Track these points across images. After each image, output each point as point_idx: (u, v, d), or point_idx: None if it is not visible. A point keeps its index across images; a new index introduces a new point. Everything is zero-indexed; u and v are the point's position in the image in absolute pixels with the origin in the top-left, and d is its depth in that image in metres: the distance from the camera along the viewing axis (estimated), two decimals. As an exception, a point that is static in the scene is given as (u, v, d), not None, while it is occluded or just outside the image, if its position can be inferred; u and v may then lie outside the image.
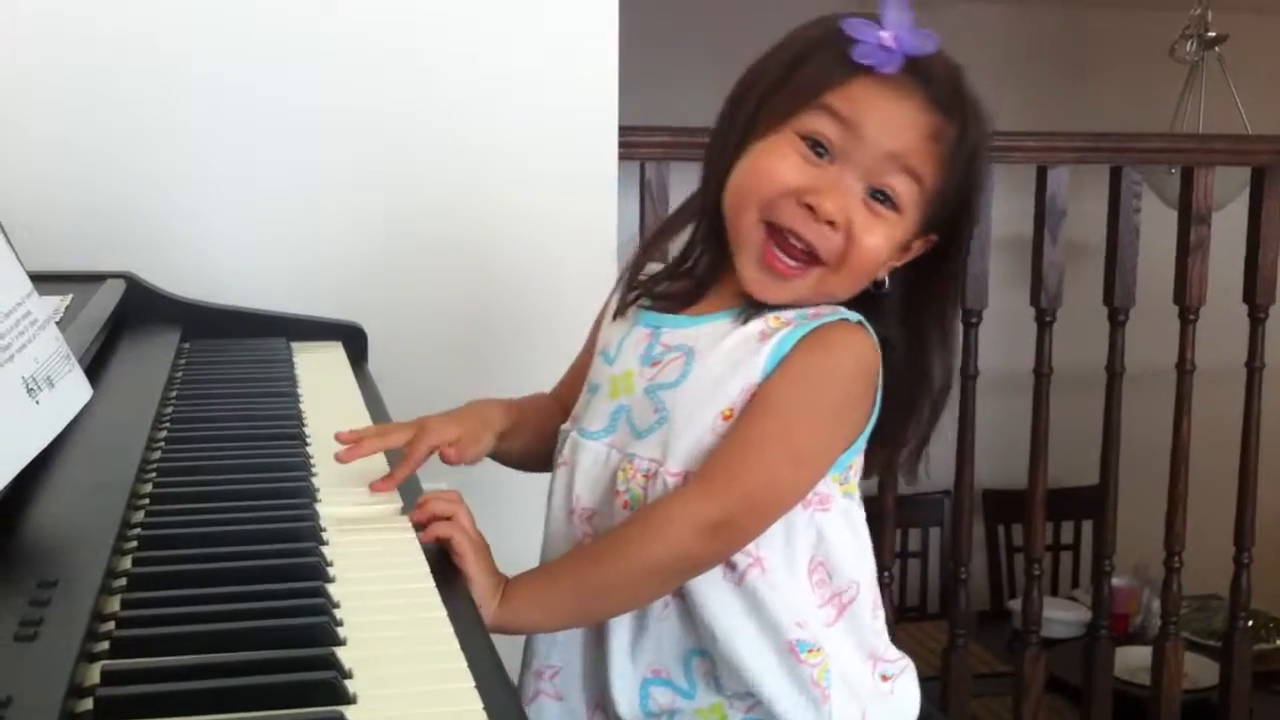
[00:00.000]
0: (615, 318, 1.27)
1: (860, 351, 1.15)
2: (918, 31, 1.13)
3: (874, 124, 1.12)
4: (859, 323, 1.15)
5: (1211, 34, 3.97)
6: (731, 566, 1.14)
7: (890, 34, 1.11)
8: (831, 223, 1.13)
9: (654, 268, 1.28)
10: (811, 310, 1.16)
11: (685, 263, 1.25)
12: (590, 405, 1.24)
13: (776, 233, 1.15)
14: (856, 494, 1.20)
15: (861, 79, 1.12)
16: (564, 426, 1.27)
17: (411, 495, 1.13)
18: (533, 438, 1.33)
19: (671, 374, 1.18)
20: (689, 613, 1.16)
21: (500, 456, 1.33)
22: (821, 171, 1.13)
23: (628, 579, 1.11)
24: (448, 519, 1.07)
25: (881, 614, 1.24)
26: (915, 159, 1.13)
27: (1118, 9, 4.67)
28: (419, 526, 1.07)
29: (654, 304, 1.24)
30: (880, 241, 1.14)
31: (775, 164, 1.14)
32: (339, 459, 1.15)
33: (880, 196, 1.14)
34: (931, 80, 1.14)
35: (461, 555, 1.06)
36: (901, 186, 1.14)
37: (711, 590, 1.15)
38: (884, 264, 1.17)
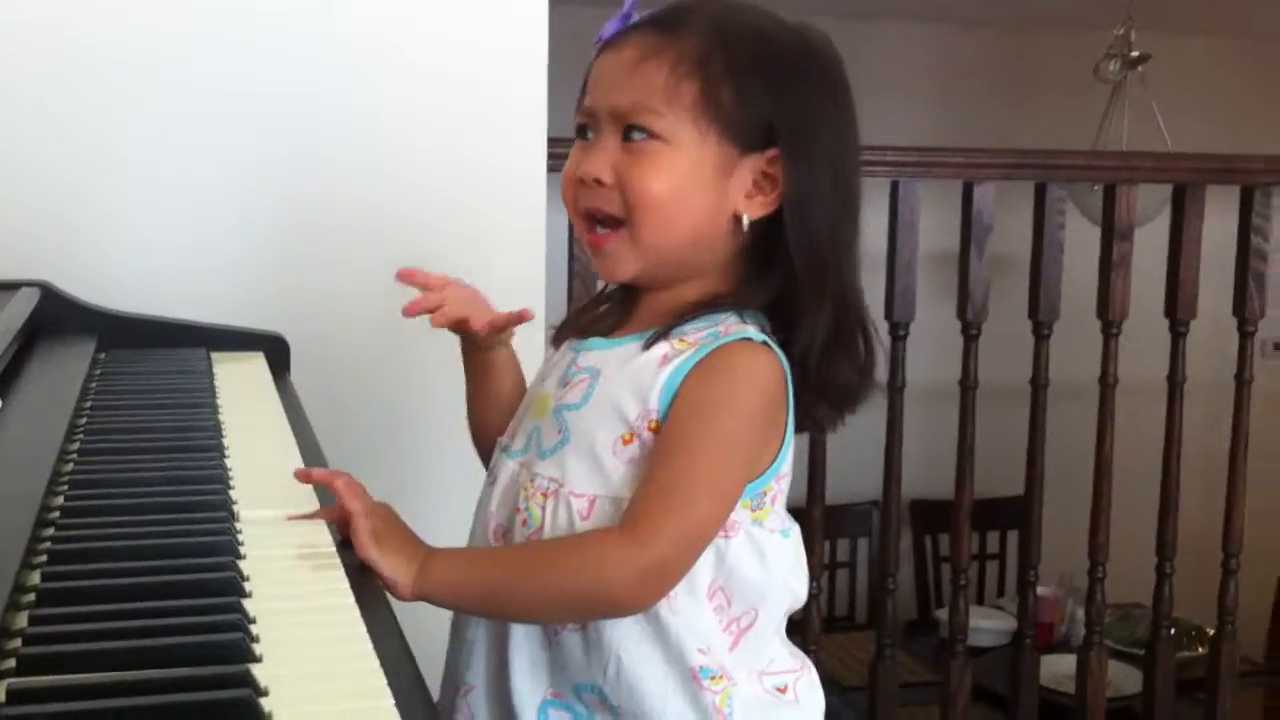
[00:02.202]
0: (556, 346, 1.27)
1: (759, 374, 1.12)
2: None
3: (598, 79, 1.17)
4: (763, 343, 1.13)
5: (1135, 54, 4.03)
6: None
7: (619, 14, 1.17)
8: (599, 180, 1.15)
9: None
10: (720, 328, 1.15)
11: (603, 289, 1.26)
12: (519, 426, 1.24)
13: (584, 219, 1.18)
14: (773, 521, 1.18)
15: (596, 60, 1.18)
16: (500, 440, 1.27)
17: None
18: (500, 406, 1.34)
19: (576, 395, 1.18)
20: (587, 639, 1.15)
21: (475, 392, 1.36)
22: (585, 148, 1.18)
23: (545, 596, 1.11)
24: (342, 514, 1.08)
25: (782, 634, 1.23)
26: (644, 83, 1.13)
27: (1045, 30, 4.73)
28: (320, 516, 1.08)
29: (582, 330, 1.24)
30: (653, 174, 1.13)
31: (565, 167, 1.20)
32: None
33: (638, 135, 1.14)
34: (648, 19, 1.17)
35: (357, 545, 1.06)
36: (647, 116, 1.13)
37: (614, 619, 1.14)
38: (685, 194, 1.14)
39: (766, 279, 1.17)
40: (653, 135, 1.13)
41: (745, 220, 1.15)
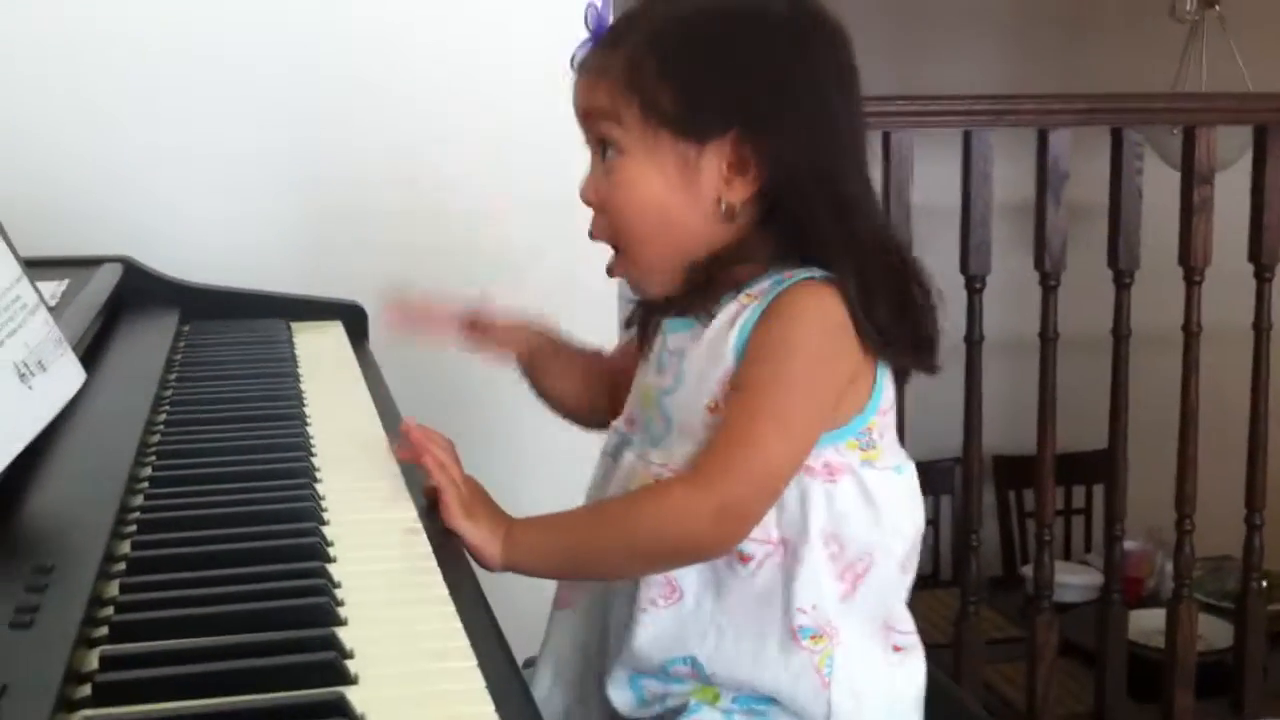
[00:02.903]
0: (634, 324, 1.27)
1: (820, 307, 1.11)
2: (596, 15, 1.18)
3: (574, 103, 1.18)
4: (824, 279, 1.12)
5: (1212, -8, 3.94)
6: (746, 558, 1.13)
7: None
8: (589, 202, 1.18)
9: None
10: (779, 277, 1.14)
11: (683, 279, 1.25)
12: (632, 411, 1.24)
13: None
14: (887, 459, 1.17)
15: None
16: (618, 426, 1.26)
17: (416, 484, 1.12)
18: (573, 384, 1.36)
19: (669, 379, 1.18)
20: (681, 613, 1.15)
21: (536, 385, 1.38)
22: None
23: (624, 548, 1.12)
24: (436, 468, 1.09)
25: (908, 579, 1.21)
26: (596, 100, 1.15)
27: (1117, -31, 4.63)
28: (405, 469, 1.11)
29: (668, 312, 1.23)
30: (624, 192, 1.14)
31: None
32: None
33: (610, 153, 1.15)
34: (599, 39, 1.17)
35: (447, 515, 1.07)
36: (606, 129, 1.14)
37: (712, 587, 1.14)
38: (657, 204, 1.14)
39: (798, 242, 1.15)
40: (619, 148, 1.14)
41: (723, 205, 1.13)
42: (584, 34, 1.18)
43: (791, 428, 1.10)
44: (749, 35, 1.14)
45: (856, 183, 1.16)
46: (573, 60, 1.18)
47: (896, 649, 1.20)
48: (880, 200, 2.52)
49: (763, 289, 1.14)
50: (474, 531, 1.08)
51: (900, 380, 1.20)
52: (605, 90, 1.14)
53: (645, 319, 1.25)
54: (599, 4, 1.18)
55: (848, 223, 1.13)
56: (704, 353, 1.15)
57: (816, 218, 1.12)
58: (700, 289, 1.18)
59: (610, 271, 1.21)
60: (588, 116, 1.17)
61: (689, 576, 1.14)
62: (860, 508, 1.14)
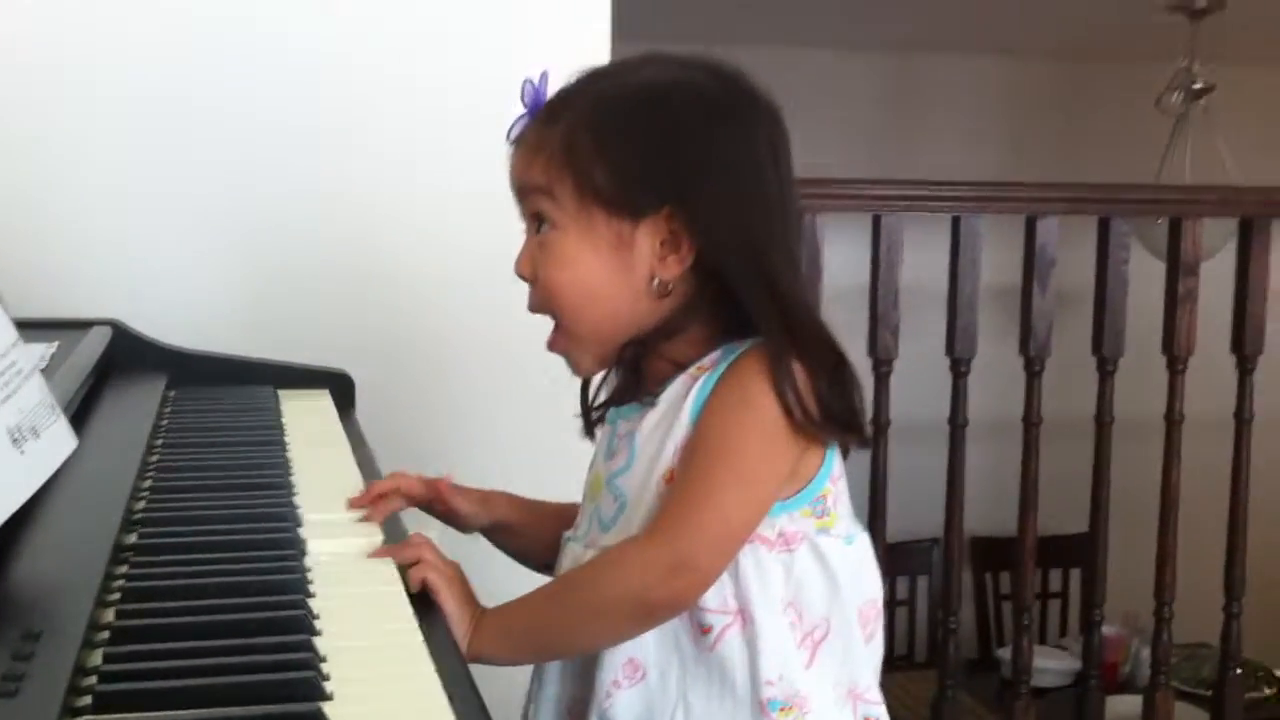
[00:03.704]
0: (590, 433, 1.28)
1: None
2: (533, 90, 1.19)
3: (510, 177, 1.20)
4: None
5: (1198, 85, 4.01)
6: (705, 629, 1.13)
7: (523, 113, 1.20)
8: (523, 276, 1.19)
9: None
10: (727, 347, 1.15)
11: (591, 385, 1.27)
12: (580, 516, 1.25)
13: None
14: (839, 528, 1.17)
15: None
16: (564, 535, 1.27)
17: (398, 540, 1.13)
18: (540, 541, 1.33)
19: (620, 461, 1.19)
20: (648, 690, 1.14)
21: (501, 546, 1.36)
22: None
23: (582, 616, 1.12)
24: (415, 563, 1.09)
25: (874, 648, 1.21)
26: (530, 176, 1.16)
27: (1106, 61, 4.71)
28: (404, 571, 1.08)
29: (611, 403, 1.24)
30: (556, 266, 1.16)
31: None
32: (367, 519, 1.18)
33: (544, 227, 1.16)
34: (536, 114, 1.18)
35: (435, 591, 1.08)
36: (541, 204, 1.16)
37: (675, 663, 1.14)
38: (588, 280, 1.15)
39: (734, 315, 1.15)
40: (552, 223, 1.16)
41: (656, 282, 1.14)
42: (520, 109, 1.19)
43: (748, 487, 1.11)
44: (681, 113, 1.14)
45: (784, 259, 1.16)
46: (509, 135, 1.20)
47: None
48: (869, 280, 2.56)
49: (713, 359, 1.15)
50: (454, 613, 1.09)
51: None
52: (540, 166, 1.15)
53: (590, 423, 1.26)
54: (535, 80, 1.19)
55: (778, 297, 1.13)
56: (657, 428, 1.15)
57: (751, 292, 1.13)
58: (634, 369, 1.19)
59: (549, 346, 1.21)
60: (522, 191, 1.18)
61: (650, 653, 1.14)
62: (817, 576, 1.15)
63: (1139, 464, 2.91)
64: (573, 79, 1.19)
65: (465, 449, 2.02)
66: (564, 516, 1.29)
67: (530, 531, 1.34)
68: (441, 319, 2.03)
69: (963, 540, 2.73)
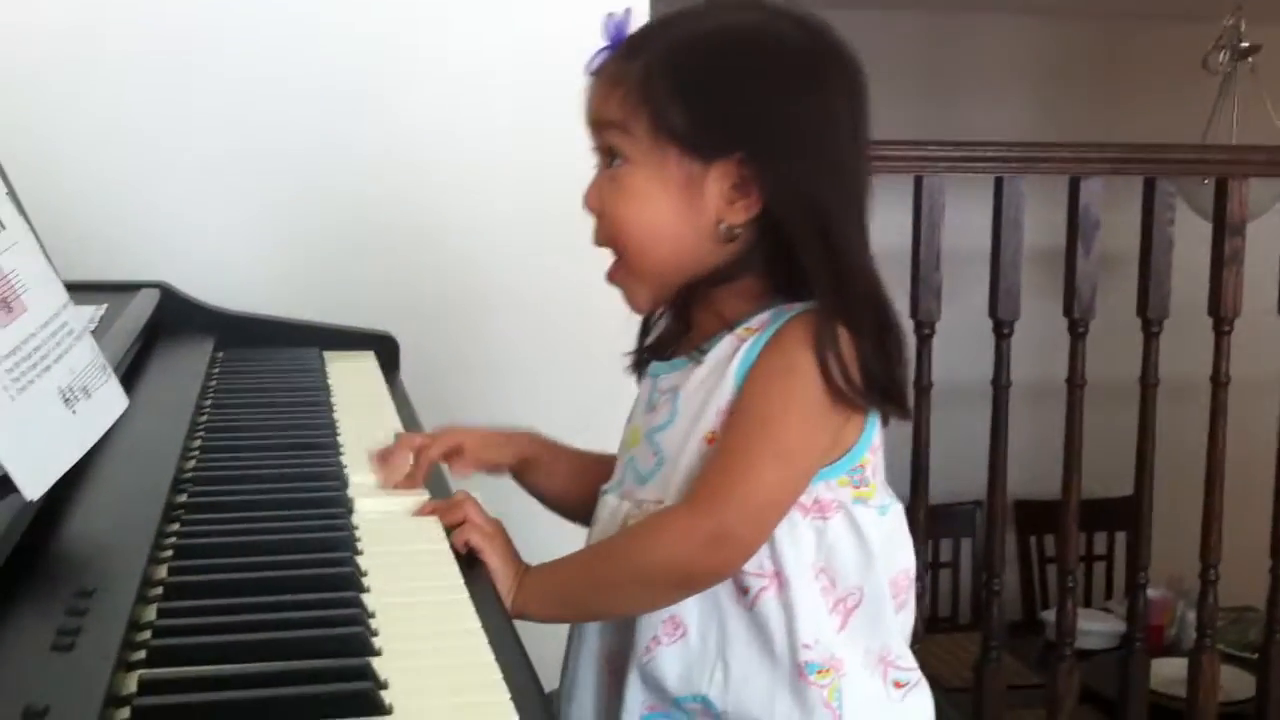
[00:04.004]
0: (638, 375, 1.28)
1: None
2: (615, 24, 1.18)
3: (586, 109, 1.19)
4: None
5: (1244, 44, 3.95)
6: (744, 590, 1.13)
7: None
8: (591, 208, 1.18)
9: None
10: (777, 310, 1.15)
11: (650, 323, 1.27)
12: (616, 465, 1.25)
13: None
14: (877, 498, 1.17)
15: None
16: (600, 489, 1.27)
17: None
18: (570, 481, 1.33)
19: (662, 416, 1.19)
20: (688, 649, 1.15)
21: (530, 488, 1.36)
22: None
23: (623, 581, 1.13)
24: (460, 523, 1.11)
25: (905, 616, 1.22)
26: (607, 110, 1.15)
27: (1151, 20, 4.65)
28: (449, 532, 1.10)
29: (655, 354, 1.25)
30: (624, 200, 1.15)
31: None
32: (383, 486, 1.19)
33: (616, 161, 1.16)
34: (618, 48, 1.17)
35: (479, 550, 1.10)
36: (615, 138, 1.15)
37: (715, 621, 1.14)
38: (656, 216, 1.14)
39: (791, 271, 1.15)
40: (624, 160, 1.15)
41: (723, 226, 1.14)
42: (601, 43, 1.19)
43: (790, 458, 1.11)
44: (764, 61, 1.14)
45: (851, 221, 1.15)
46: (588, 67, 1.19)
47: (898, 685, 1.20)
48: (911, 242, 2.55)
49: (763, 321, 1.15)
50: (499, 571, 1.10)
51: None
52: (618, 100, 1.15)
53: (637, 364, 1.27)
54: (619, 15, 1.19)
55: (836, 259, 1.13)
56: (701, 386, 1.16)
57: (809, 250, 1.12)
58: (682, 319, 1.21)
59: (609, 276, 1.21)
60: (598, 125, 1.17)
61: (692, 612, 1.15)
62: (851, 545, 1.15)
63: (1184, 426, 2.89)
64: (657, 17, 1.19)
65: (507, 409, 2.03)
66: (602, 463, 1.29)
67: (561, 470, 1.34)
68: (485, 281, 2.05)
69: (1005, 503, 2.72)
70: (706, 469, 1.12)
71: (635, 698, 1.18)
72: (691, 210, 1.14)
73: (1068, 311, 2.64)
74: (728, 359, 1.15)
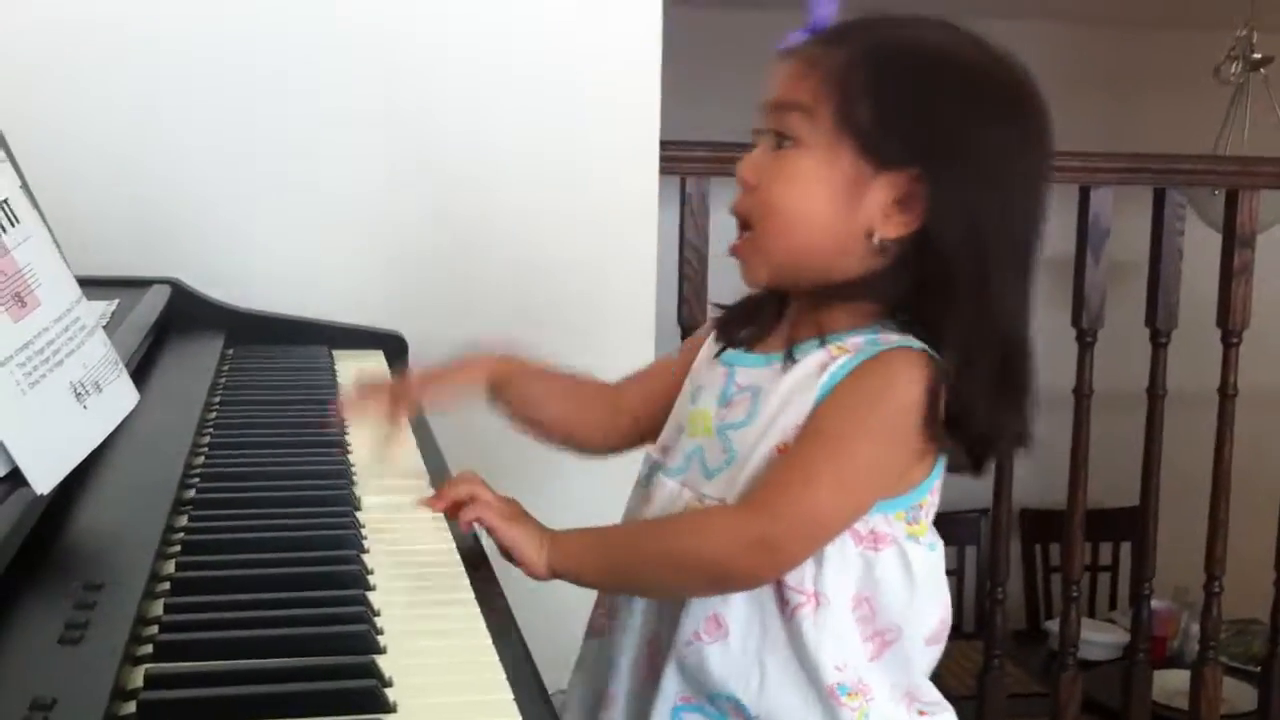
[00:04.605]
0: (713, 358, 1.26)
1: (916, 380, 1.09)
2: (821, 9, 1.16)
3: (768, 84, 1.16)
4: (922, 350, 1.11)
5: (1257, 55, 3.95)
6: (785, 602, 1.13)
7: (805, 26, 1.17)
8: (745, 181, 1.16)
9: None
10: (879, 337, 1.13)
11: (757, 300, 1.24)
12: (676, 443, 1.24)
13: (738, 223, 1.19)
14: (928, 535, 1.16)
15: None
16: (651, 453, 1.27)
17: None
18: (562, 405, 1.33)
19: (739, 414, 1.18)
20: (729, 649, 1.15)
21: (506, 410, 1.32)
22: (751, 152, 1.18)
23: (661, 563, 1.13)
24: (469, 501, 1.11)
25: (935, 652, 1.21)
26: (797, 91, 1.13)
27: (1162, 29, 4.65)
28: (450, 519, 1.11)
29: (733, 343, 1.23)
30: (784, 180, 1.13)
31: None
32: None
33: (785, 143, 1.14)
34: (820, 32, 1.16)
35: (494, 528, 1.10)
36: (793, 121, 1.13)
37: (756, 627, 1.14)
38: (809, 202, 1.12)
39: (920, 301, 1.13)
40: (795, 143, 1.13)
41: (876, 237, 1.11)
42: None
43: (850, 485, 1.10)
44: (964, 86, 1.13)
45: (1010, 264, 1.13)
46: (782, 44, 1.17)
47: (923, 714, 1.20)
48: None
49: (856, 343, 1.13)
50: (522, 537, 1.11)
51: (954, 471, 1.18)
52: (810, 84, 1.12)
53: (726, 336, 1.24)
54: (824, 1, 1.17)
55: (982, 301, 1.10)
56: (785, 394, 1.14)
57: (955, 282, 1.10)
58: (779, 316, 1.19)
59: (733, 249, 1.18)
60: (779, 105, 1.14)
61: (736, 614, 1.14)
62: (899, 580, 1.15)
63: (1192, 437, 2.89)
64: (864, 14, 1.17)
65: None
66: (583, 387, 1.31)
67: (538, 390, 1.32)
68: (496, 282, 2.05)
69: (1011, 511, 2.72)
70: (768, 476, 1.12)
71: (671, 687, 1.18)
72: (847, 210, 1.12)
73: (1076, 321, 2.64)
74: (816, 373, 1.13)
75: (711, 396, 1.21)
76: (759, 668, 1.14)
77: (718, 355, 1.23)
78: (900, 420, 1.10)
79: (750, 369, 1.19)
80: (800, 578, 1.12)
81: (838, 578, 1.13)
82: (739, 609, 1.14)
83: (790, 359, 1.15)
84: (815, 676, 1.14)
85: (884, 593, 1.14)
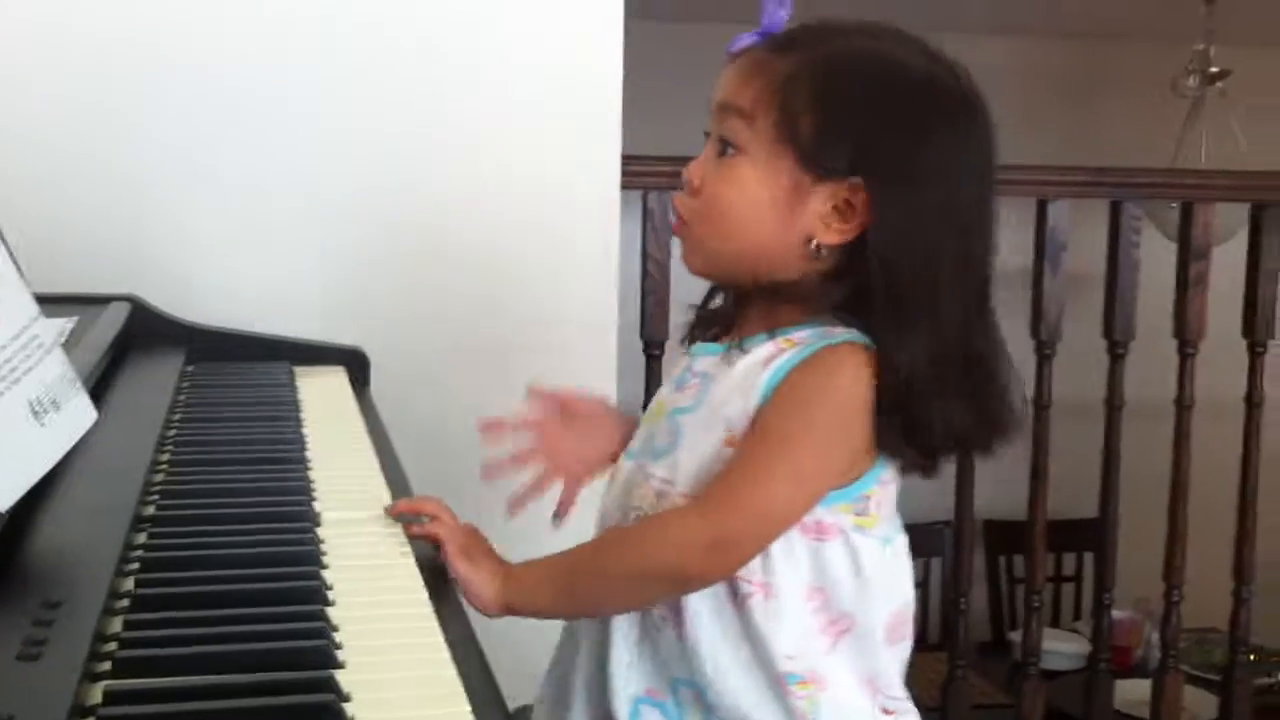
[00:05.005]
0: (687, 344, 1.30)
1: (860, 373, 1.11)
2: (773, 13, 1.17)
3: (716, 87, 1.18)
4: (867, 346, 1.13)
5: (1214, 69, 4.00)
6: (735, 592, 1.15)
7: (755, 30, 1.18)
8: (691, 183, 1.19)
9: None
10: (823, 330, 1.14)
11: (716, 293, 1.27)
12: (640, 428, 1.27)
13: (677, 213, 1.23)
14: (879, 529, 1.17)
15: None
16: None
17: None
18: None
19: (688, 399, 1.20)
20: (684, 636, 1.17)
21: None
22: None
23: (619, 577, 1.15)
24: (431, 518, 1.15)
25: (901, 649, 1.23)
26: (739, 97, 1.15)
27: (1120, 42, 4.69)
28: (410, 536, 1.13)
29: (702, 328, 1.26)
30: (725, 185, 1.16)
31: None
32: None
33: (729, 150, 1.16)
34: (769, 37, 1.17)
35: (449, 561, 1.12)
36: (735, 126, 1.15)
37: (710, 615, 1.16)
38: (749, 209, 1.14)
39: (860, 304, 1.14)
40: (738, 149, 1.15)
41: (814, 244, 1.14)
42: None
43: (802, 478, 1.12)
44: (907, 95, 1.15)
45: (950, 271, 1.14)
46: (732, 46, 1.18)
47: (886, 711, 1.21)
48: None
49: (803, 337, 1.15)
50: (473, 573, 1.12)
51: (910, 473, 1.19)
52: (752, 91, 1.14)
53: (696, 328, 1.27)
54: (778, 3, 1.17)
55: (921, 310, 1.12)
56: (732, 384, 1.16)
57: (892, 288, 1.12)
58: (741, 310, 1.21)
59: (675, 229, 1.22)
60: (724, 108, 1.17)
61: (692, 601, 1.16)
62: (846, 571, 1.16)
63: (1150, 447, 2.92)
64: (814, 21, 1.19)
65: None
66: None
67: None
68: (455, 297, 2.05)
69: (973, 523, 2.74)
70: (721, 476, 1.13)
71: (632, 679, 1.20)
72: (787, 217, 1.14)
73: (1034, 333, 2.67)
74: (762, 365, 1.15)
75: (669, 381, 1.25)
76: (713, 657, 1.16)
77: (689, 345, 1.27)
78: (845, 415, 1.12)
79: (707, 357, 1.22)
80: (749, 569, 1.14)
81: (786, 568, 1.14)
82: (694, 598, 1.16)
83: (740, 349, 1.18)
84: (767, 664, 1.15)
85: (833, 583, 1.16)
